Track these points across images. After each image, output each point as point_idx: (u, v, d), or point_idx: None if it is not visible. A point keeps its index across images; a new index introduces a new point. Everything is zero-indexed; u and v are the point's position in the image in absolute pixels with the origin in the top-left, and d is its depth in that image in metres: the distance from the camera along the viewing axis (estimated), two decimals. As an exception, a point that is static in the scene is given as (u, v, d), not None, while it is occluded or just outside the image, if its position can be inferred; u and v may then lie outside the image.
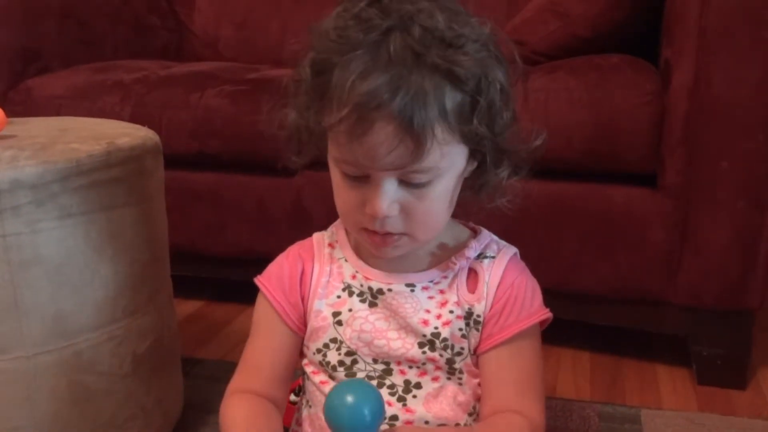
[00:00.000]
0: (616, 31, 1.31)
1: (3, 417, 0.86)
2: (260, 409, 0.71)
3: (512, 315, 0.69)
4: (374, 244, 0.67)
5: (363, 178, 0.63)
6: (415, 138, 0.58)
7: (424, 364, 0.69)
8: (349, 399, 0.54)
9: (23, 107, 1.48)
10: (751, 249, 1.14)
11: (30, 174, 0.81)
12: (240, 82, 1.45)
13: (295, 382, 1.12)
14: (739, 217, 1.13)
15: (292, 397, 1.09)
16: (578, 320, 1.30)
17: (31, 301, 0.84)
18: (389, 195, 0.62)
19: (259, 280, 0.76)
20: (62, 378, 0.88)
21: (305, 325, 0.74)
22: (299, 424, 0.79)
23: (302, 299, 0.74)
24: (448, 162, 0.62)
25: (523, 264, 0.73)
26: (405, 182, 0.62)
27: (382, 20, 0.59)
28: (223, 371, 1.30)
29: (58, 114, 1.43)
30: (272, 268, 0.76)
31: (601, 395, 1.22)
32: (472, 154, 0.66)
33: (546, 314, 0.71)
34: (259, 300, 0.76)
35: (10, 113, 1.03)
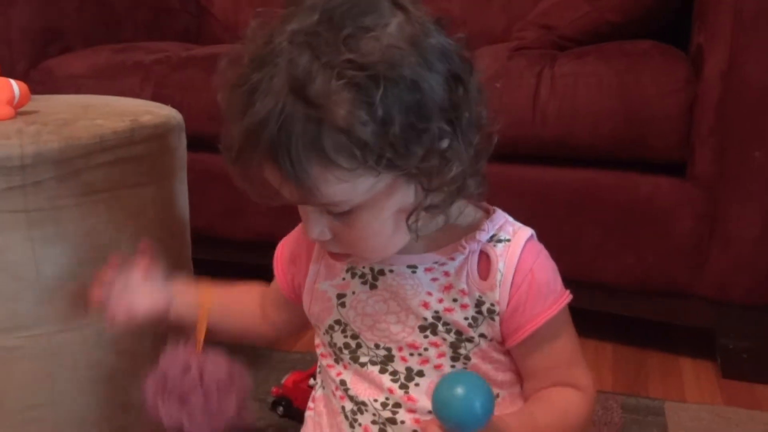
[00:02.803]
0: (647, 16, 1.28)
1: (23, 394, 0.86)
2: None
3: (539, 302, 0.66)
4: (329, 255, 0.68)
5: None
6: (290, 179, 0.54)
7: (426, 349, 0.67)
8: (460, 391, 0.54)
9: (44, 86, 1.47)
10: (783, 241, 1.11)
11: (53, 149, 0.80)
12: (261, 65, 1.43)
13: (314, 366, 1.11)
14: (771, 208, 1.10)
15: (312, 381, 1.08)
16: (601, 311, 1.28)
17: (53, 278, 0.83)
18: (316, 222, 0.60)
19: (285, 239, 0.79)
20: (83, 356, 0.87)
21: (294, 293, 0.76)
22: (313, 401, 0.79)
23: (303, 273, 0.75)
24: (360, 193, 0.57)
25: (540, 245, 0.69)
26: (328, 210, 0.59)
27: (272, 49, 0.55)
28: (239, 354, 1.29)
29: (78, 93, 1.42)
30: (294, 234, 0.79)
31: (623, 387, 1.21)
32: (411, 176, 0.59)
33: (569, 296, 0.69)
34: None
35: (31, 92, 1.02)
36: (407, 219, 0.60)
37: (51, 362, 0.85)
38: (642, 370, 1.26)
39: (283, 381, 1.11)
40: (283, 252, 0.78)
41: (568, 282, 0.71)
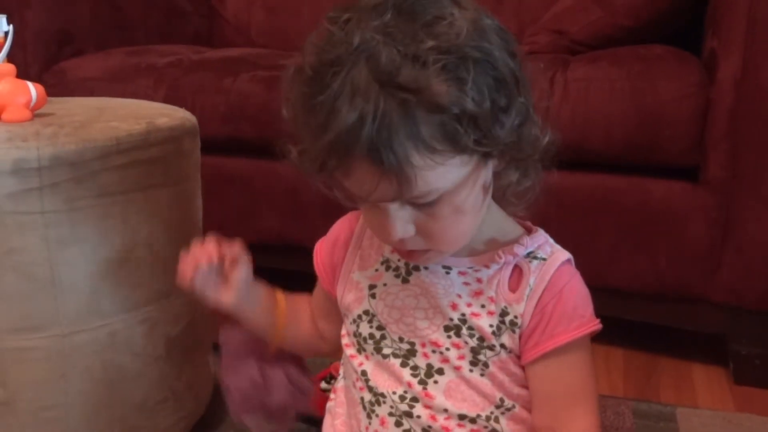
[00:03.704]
0: (659, 21, 1.28)
1: (37, 395, 0.86)
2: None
3: (562, 323, 0.66)
4: (404, 256, 0.68)
5: (373, 204, 0.61)
6: (393, 173, 0.55)
7: (447, 349, 0.68)
8: None
9: (57, 89, 1.48)
10: (797, 247, 1.11)
11: (70, 151, 0.81)
12: (273, 68, 1.44)
13: (326, 370, 1.11)
14: (784, 213, 1.10)
15: (323, 385, 1.08)
16: (612, 316, 1.27)
17: (67, 279, 0.84)
18: (400, 220, 0.61)
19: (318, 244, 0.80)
20: (96, 358, 0.88)
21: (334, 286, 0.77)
22: (334, 392, 0.80)
23: (340, 263, 0.76)
24: (451, 179, 0.59)
25: (575, 271, 0.69)
26: (413, 204, 0.60)
27: (346, 50, 0.55)
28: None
29: (91, 96, 1.43)
30: (332, 230, 0.80)
31: (634, 392, 1.20)
32: (490, 155, 0.61)
33: (597, 326, 0.68)
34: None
35: (45, 94, 1.03)
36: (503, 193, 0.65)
37: (64, 363, 0.86)
38: (653, 376, 1.26)
39: (294, 384, 1.11)
40: (322, 248, 0.79)
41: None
